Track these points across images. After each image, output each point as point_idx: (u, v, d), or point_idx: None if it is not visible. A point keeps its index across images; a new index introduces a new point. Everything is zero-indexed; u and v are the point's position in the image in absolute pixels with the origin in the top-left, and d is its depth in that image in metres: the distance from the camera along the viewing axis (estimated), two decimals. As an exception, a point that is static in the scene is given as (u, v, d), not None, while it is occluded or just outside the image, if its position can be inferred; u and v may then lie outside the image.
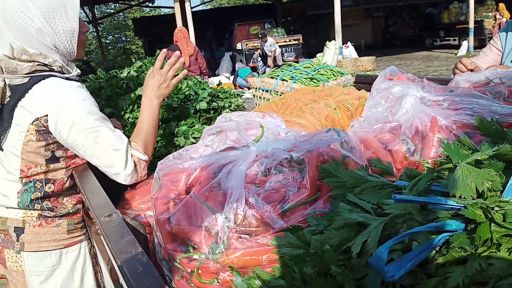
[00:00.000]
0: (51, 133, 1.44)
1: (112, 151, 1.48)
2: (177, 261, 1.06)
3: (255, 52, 14.51)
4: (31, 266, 1.55)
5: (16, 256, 1.54)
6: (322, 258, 0.74)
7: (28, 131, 1.42)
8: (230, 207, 1.01)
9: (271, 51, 13.91)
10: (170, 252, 1.09)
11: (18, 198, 1.51)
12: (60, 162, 1.54)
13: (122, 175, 1.52)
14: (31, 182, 1.51)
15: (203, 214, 1.04)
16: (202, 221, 1.04)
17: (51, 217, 1.56)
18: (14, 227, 1.53)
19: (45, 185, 1.53)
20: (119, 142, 1.49)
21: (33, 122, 1.41)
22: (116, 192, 1.84)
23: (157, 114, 1.63)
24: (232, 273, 0.97)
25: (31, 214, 1.53)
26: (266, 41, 13.87)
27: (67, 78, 1.49)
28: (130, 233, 0.97)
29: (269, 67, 13.71)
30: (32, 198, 1.51)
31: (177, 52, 1.67)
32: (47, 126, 1.42)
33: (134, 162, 1.54)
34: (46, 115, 1.40)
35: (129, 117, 2.01)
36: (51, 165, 1.52)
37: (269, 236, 0.97)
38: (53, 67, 1.46)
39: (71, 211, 1.61)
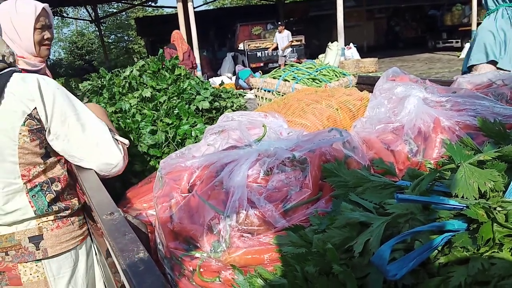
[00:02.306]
0: (44, 129, 1.42)
1: (100, 138, 1.50)
2: (179, 259, 1.07)
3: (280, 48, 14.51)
4: (55, 270, 1.52)
5: (36, 266, 1.50)
6: (324, 257, 0.74)
7: (20, 133, 1.38)
8: (232, 205, 1.01)
9: (290, 40, 14.25)
10: (172, 250, 1.10)
11: (33, 206, 1.46)
12: (51, 156, 1.51)
13: (115, 159, 1.52)
14: (37, 186, 1.47)
15: (205, 213, 1.04)
16: (204, 219, 1.04)
17: (66, 216, 1.54)
18: (29, 237, 1.48)
19: (52, 185, 1.50)
20: (105, 128, 1.53)
21: (24, 122, 1.37)
22: (118, 190, 1.85)
23: None
24: (234, 272, 0.97)
25: (46, 218, 1.50)
26: (282, 32, 14.11)
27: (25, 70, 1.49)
28: (132, 231, 0.97)
29: (282, 51, 14.20)
30: (48, 201, 1.48)
31: None
32: (39, 118, 1.39)
33: (122, 147, 1.58)
34: (35, 108, 1.38)
35: (132, 116, 2.01)
36: (47, 160, 1.49)
37: (271, 235, 0.97)
38: (11, 60, 1.42)
39: (79, 207, 1.61)
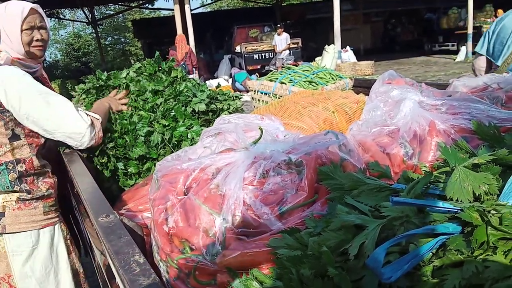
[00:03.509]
0: (7, 111, 1.60)
1: (66, 110, 1.69)
2: (175, 262, 1.06)
3: (278, 52, 14.49)
4: (13, 246, 1.66)
5: None
6: (320, 259, 0.74)
7: None
8: (228, 208, 1.01)
9: (288, 43, 14.41)
10: (167, 253, 1.09)
11: None
12: (21, 139, 1.68)
13: (82, 128, 1.69)
14: (3, 165, 1.64)
15: (201, 215, 1.04)
16: (200, 222, 1.04)
17: (28, 199, 1.68)
18: None
19: (17, 165, 1.66)
20: (69, 103, 1.72)
21: None
22: (114, 192, 1.85)
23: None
24: (229, 274, 0.97)
25: (10, 198, 1.66)
26: (280, 34, 14.25)
27: None
28: (128, 234, 0.97)
29: (280, 54, 14.29)
30: (10, 179, 1.64)
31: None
32: (0, 103, 1.58)
33: (91, 119, 1.74)
34: None
35: (130, 117, 2.01)
36: (14, 142, 1.66)
37: (266, 238, 0.97)
38: None
39: (46, 194, 1.73)
